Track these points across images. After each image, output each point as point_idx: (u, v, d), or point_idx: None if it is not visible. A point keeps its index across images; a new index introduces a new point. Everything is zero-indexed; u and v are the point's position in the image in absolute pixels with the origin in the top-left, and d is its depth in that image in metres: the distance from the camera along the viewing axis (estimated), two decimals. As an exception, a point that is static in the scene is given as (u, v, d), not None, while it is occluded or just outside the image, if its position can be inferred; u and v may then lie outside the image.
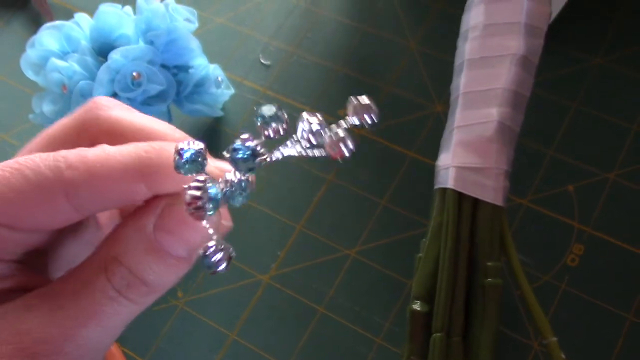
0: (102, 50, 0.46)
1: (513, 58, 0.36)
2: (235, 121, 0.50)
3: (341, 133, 0.21)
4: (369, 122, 0.22)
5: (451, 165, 0.35)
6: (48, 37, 0.46)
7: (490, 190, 0.34)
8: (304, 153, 0.22)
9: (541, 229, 0.43)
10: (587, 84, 0.47)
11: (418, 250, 0.41)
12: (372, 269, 0.44)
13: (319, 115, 0.22)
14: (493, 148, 0.35)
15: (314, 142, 0.22)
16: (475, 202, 0.35)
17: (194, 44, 0.46)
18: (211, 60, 0.49)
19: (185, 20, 0.46)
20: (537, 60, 0.36)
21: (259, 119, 0.22)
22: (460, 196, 0.35)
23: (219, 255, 0.21)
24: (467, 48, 0.37)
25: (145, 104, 0.45)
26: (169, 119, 0.48)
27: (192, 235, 0.22)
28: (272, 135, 0.22)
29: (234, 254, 0.21)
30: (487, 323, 0.34)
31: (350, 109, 0.20)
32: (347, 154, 0.21)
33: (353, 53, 0.52)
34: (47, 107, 0.46)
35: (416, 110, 0.48)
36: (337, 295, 0.43)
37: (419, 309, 0.34)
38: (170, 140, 0.24)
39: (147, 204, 0.22)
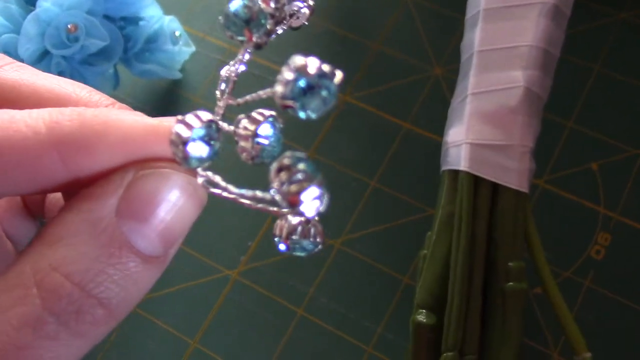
0: (31, -3, 0.38)
1: (542, 7, 0.28)
2: (197, 84, 0.42)
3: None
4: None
5: (465, 141, 0.28)
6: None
7: (513, 173, 0.28)
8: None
9: (560, 215, 0.36)
10: (611, 43, 0.40)
11: (415, 240, 0.34)
12: (360, 262, 0.37)
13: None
14: (518, 120, 0.28)
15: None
16: (495, 187, 0.28)
17: (146, -10, 0.38)
18: (167, 11, 0.41)
19: (133, -39, 0.38)
20: (570, 11, 0.29)
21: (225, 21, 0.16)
22: (476, 180, 0.28)
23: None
24: (484, -5, 0.30)
25: (85, 63, 0.37)
26: (116, 81, 0.40)
27: (177, 221, 0.16)
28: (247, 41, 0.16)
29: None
30: (509, 337, 0.27)
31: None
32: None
33: (336, 5, 0.44)
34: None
35: (411, 73, 0.41)
36: (319, 294, 0.36)
37: (424, 320, 0.28)
38: (90, 107, 0.18)
39: (101, 180, 0.16)
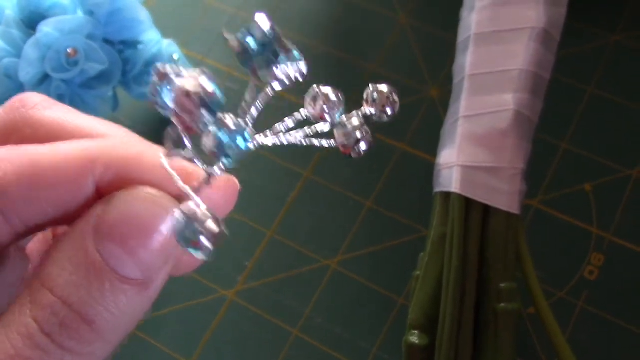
0: (32, 21, 0.38)
1: (532, 32, 0.29)
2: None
3: (356, 123, 0.17)
4: (389, 114, 0.18)
5: (456, 163, 0.29)
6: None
7: (504, 195, 0.28)
8: (303, 141, 0.18)
9: (554, 236, 0.36)
10: (604, 65, 0.40)
11: (410, 261, 0.35)
12: (356, 283, 0.37)
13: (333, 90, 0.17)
14: (509, 143, 0.28)
15: (329, 121, 0.18)
16: (486, 209, 0.28)
17: (143, 15, 0.39)
18: (165, 34, 0.42)
19: (132, -14, 0.39)
20: (559, 35, 0.30)
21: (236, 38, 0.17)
22: (467, 202, 0.28)
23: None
24: (475, 20, 0.30)
25: (85, 87, 0.38)
26: (114, 104, 0.40)
27: (152, 243, 0.16)
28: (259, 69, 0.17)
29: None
30: (502, 357, 0.28)
31: (367, 98, 0.17)
32: (361, 153, 0.18)
33: (333, 27, 0.45)
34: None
35: (407, 95, 0.41)
36: (314, 314, 0.36)
37: (417, 341, 0.28)
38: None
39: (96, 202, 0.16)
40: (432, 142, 0.39)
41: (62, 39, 0.36)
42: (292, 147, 0.42)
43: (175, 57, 0.41)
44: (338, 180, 0.39)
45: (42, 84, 0.37)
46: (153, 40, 0.40)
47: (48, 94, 0.37)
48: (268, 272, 0.38)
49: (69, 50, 0.36)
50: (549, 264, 0.36)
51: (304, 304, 0.37)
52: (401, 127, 0.40)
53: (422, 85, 0.41)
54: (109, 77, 0.38)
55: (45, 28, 0.36)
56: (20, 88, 0.37)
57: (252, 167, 0.41)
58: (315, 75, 0.43)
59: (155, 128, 0.43)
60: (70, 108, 0.20)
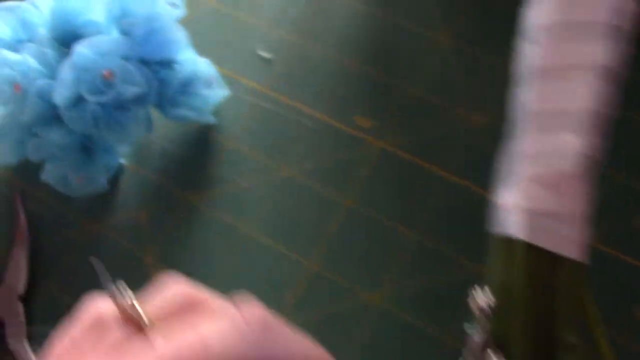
0: (65, 39, 0.37)
1: (600, 70, 0.27)
2: (231, 128, 0.42)
3: None
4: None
5: (521, 207, 0.27)
6: (-4, 22, 0.37)
7: (573, 242, 0.26)
8: None
9: (611, 277, 0.35)
10: (657, 93, 0.39)
11: (460, 297, 0.33)
12: (403, 322, 0.35)
13: None
14: (577, 187, 0.27)
15: None
16: (552, 256, 0.27)
17: (179, 35, 0.37)
18: (200, 53, 0.40)
19: (169, 5, 0.37)
20: (624, 71, 0.28)
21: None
22: (533, 249, 0.27)
23: None
24: (538, 53, 0.29)
25: (120, 108, 0.36)
26: (149, 125, 0.39)
27: None
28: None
29: None
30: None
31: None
32: None
33: (372, 47, 0.43)
34: None
35: (449, 122, 0.40)
36: (357, 355, 0.35)
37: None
38: None
39: None
40: (477, 172, 0.38)
41: (97, 61, 0.35)
42: (336, 178, 0.40)
43: (211, 77, 0.40)
44: (381, 210, 0.38)
45: (77, 105, 0.36)
46: (189, 59, 0.39)
47: (83, 116, 0.35)
48: (308, 309, 0.36)
49: (104, 72, 0.35)
50: (604, 305, 0.34)
51: (347, 344, 0.35)
52: (445, 154, 0.39)
53: (466, 111, 0.40)
54: (144, 98, 0.36)
55: (81, 49, 0.35)
56: (53, 109, 0.36)
57: (290, 195, 0.39)
58: (353, 96, 0.42)
59: (188, 150, 0.41)
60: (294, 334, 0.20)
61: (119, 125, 0.36)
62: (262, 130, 0.41)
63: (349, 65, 0.42)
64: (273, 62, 0.43)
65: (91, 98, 0.35)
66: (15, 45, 0.37)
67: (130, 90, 0.35)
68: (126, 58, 0.36)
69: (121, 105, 0.36)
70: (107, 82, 0.35)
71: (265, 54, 0.44)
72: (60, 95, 0.35)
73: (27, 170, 0.41)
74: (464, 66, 0.41)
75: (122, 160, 0.41)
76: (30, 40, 0.37)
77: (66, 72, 0.35)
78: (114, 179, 0.40)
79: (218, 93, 0.40)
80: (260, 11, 0.45)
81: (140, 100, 0.36)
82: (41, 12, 0.37)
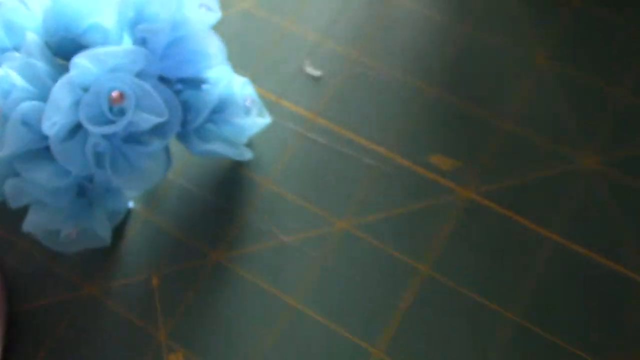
0: (63, 49, 0.28)
1: None
2: (270, 166, 0.33)
3: None
4: None
5: None
6: (-29, 23, 0.28)
7: None
8: None
9: None
10: None
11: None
12: None
13: None
14: None
15: None
16: None
17: (214, 47, 0.28)
18: (232, 68, 0.32)
19: (201, 7, 0.28)
20: None
21: None
22: None
23: None
24: None
25: (131, 142, 0.27)
26: (166, 162, 0.30)
27: None
28: None
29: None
30: None
31: None
32: None
33: (448, 66, 0.34)
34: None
35: (551, 165, 0.31)
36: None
37: None
38: None
39: None
40: (597, 236, 0.29)
41: (104, 78, 0.26)
42: (402, 228, 0.31)
43: (251, 101, 0.31)
44: (467, 280, 0.29)
45: (74, 137, 0.27)
46: (222, 77, 0.30)
47: (81, 151, 0.26)
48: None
49: (113, 94, 0.26)
50: None
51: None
52: (548, 209, 0.30)
53: (573, 150, 0.31)
54: (164, 129, 0.28)
55: (82, 62, 0.26)
56: (41, 141, 0.27)
57: (351, 258, 0.30)
58: (427, 128, 0.33)
59: (215, 193, 0.32)
60: None
61: (130, 165, 0.28)
62: (309, 170, 0.32)
63: (421, 89, 0.34)
64: (323, 81, 0.34)
65: (94, 128, 0.26)
66: (-5, 54, 0.28)
67: (148, 120, 0.26)
68: (142, 75, 0.27)
69: (134, 139, 0.28)
70: (116, 108, 0.26)
71: (313, 71, 0.35)
72: (52, 122, 0.26)
73: (5, 212, 0.32)
74: (569, 93, 0.32)
75: (130, 204, 0.32)
76: (15, 49, 0.28)
77: (61, 92, 0.26)
78: (119, 228, 0.31)
79: (258, 122, 0.31)
80: (307, 17, 0.36)
81: (159, 131, 0.27)
82: (31, 13, 0.28)
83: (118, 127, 0.26)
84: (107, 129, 0.26)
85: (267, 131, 0.33)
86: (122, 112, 0.26)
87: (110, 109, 0.26)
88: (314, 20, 0.36)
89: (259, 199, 0.32)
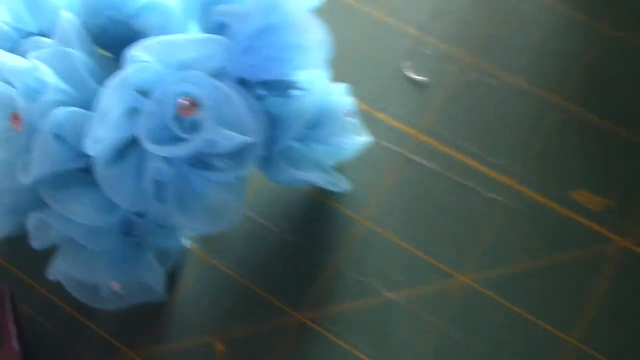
0: (107, 36, 0.21)
1: None
2: (362, 194, 0.25)
3: None
4: None
5: None
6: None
7: None
8: None
9: None
10: None
11: None
12: None
13: None
14: None
15: None
16: None
17: (315, 39, 0.21)
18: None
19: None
20: None
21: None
22: None
23: None
24: None
25: (201, 167, 0.20)
26: (241, 192, 0.22)
27: None
28: None
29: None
30: None
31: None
32: None
33: (589, 75, 0.27)
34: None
35: None
36: None
37: None
38: None
39: None
40: None
41: (170, 79, 0.19)
42: (542, 283, 0.23)
43: (351, 115, 0.23)
44: (626, 351, 0.22)
45: (125, 159, 0.19)
46: (316, 82, 0.22)
47: (134, 178, 0.19)
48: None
49: (183, 102, 0.19)
50: None
51: None
52: None
53: None
54: (245, 150, 0.20)
55: (139, 55, 0.18)
56: (78, 160, 0.20)
57: (471, 316, 0.23)
58: (566, 156, 0.25)
59: (298, 231, 0.25)
60: None
61: (199, 198, 0.20)
62: (416, 204, 0.25)
63: (556, 104, 0.26)
64: (429, 89, 0.27)
65: (156, 148, 0.19)
66: (16, 40, 0.21)
67: (230, 138, 0.19)
68: (220, 76, 0.20)
69: (204, 163, 0.20)
70: (186, 121, 0.19)
71: (416, 76, 0.27)
72: (97, 138, 0.18)
73: (24, 249, 0.25)
74: None
75: (186, 242, 0.24)
76: (44, 34, 0.21)
77: (112, 97, 0.18)
78: (170, 275, 0.24)
79: (357, 141, 0.24)
80: (409, 10, 0.29)
81: (238, 153, 0.20)
82: (67, -15, 0.21)
83: (190, 147, 0.19)
84: (175, 150, 0.19)
85: (363, 154, 0.25)
86: (194, 127, 0.19)
87: (178, 122, 0.19)
88: (418, 12, 0.29)
89: (353, 241, 0.24)
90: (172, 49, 0.19)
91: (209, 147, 0.19)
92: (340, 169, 0.25)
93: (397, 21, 0.28)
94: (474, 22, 0.28)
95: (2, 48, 0.20)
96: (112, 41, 0.21)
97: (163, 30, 0.20)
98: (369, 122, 0.26)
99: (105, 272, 0.21)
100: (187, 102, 0.19)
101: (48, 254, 0.22)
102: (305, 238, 0.25)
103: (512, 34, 0.28)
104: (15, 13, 0.21)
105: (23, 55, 0.20)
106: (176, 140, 0.19)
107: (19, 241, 0.24)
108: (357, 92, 0.26)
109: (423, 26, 0.28)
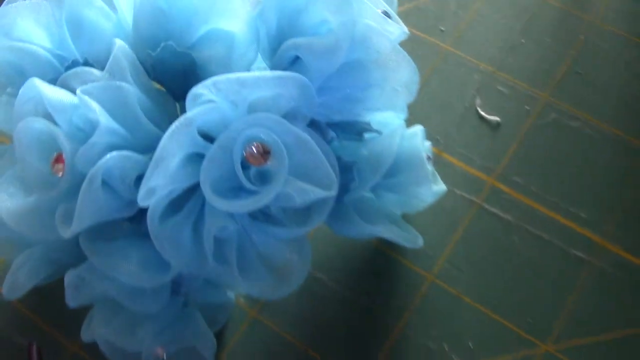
0: (164, 68, 0.18)
1: None
2: (430, 247, 0.23)
3: None
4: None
5: None
6: (27, 20, 0.18)
7: None
8: None
9: None
10: None
11: None
12: None
13: None
14: None
15: None
16: None
17: (403, 77, 0.18)
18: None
19: (383, 13, 0.18)
20: None
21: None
22: None
23: None
24: None
25: (270, 222, 0.17)
26: (306, 248, 0.19)
27: None
28: None
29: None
30: None
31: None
32: None
33: (627, 98, 0.24)
34: (8, 204, 0.17)
35: None
36: None
37: None
38: None
39: None
40: None
41: (238, 121, 0.16)
42: None
43: (429, 157, 0.21)
44: None
45: (178, 213, 0.17)
46: (390, 124, 0.20)
47: (191, 234, 0.17)
48: None
49: (253, 149, 0.16)
50: None
51: None
52: None
53: None
54: (319, 203, 0.17)
55: (204, 93, 0.16)
56: (124, 209, 0.17)
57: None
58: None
59: (355, 283, 0.22)
60: None
61: (262, 258, 0.17)
62: (491, 260, 0.22)
63: (595, 125, 0.24)
64: (503, 129, 0.24)
65: (221, 203, 0.16)
66: (58, 69, 0.18)
67: (307, 192, 0.16)
68: (292, 118, 0.17)
69: (267, 216, 0.17)
70: (257, 172, 0.16)
71: (488, 115, 0.25)
72: (151, 188, 0.16)
73: (55, 300, 0.22)
74: None
75: (231, 295, 0.22)
76: (88, 63, 0.18)
77: (174, 142, 0.16)
78: (219, 335, 0.21)
79: (432, 190, 0.21)
80: (479, 39, 0.26)
81: (312, 208, 0.17)
82: (120, 11, 0.18)
83: (259, 201, 0.16)
84: (243, 205, 0.16)
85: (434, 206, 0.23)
86: (263, 177, 0.16)
87: (246, 171, 0.16)
88: (490, 45, 0.26)
89: (421, 302, 0.22)
90: (242, 87, 0.16)
91: (280, 201, 0.17)
92: (407, 218, 0.22)
93: (467, 52, 0.26)
94: (552, 58, 0.26)
95: (42, 79, 0.17)
96: (168, 74, 0.18)
97: (226, 62, 0.18)
98: (435, 164, 0.23)
99: (150, 337, 0.18)
100: (258, 149, 0.16)
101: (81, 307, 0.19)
102: (365, 294, 0.22)
103: (600, 69, 0.25)
104: (56, 37, 0.19)
105: (67, 87, 0.17)
106: (241, 191, 0.16)
107: (49, 291, 0.21)
108: (426, 132, 0.23)
109: (497, 61, 0.26)
